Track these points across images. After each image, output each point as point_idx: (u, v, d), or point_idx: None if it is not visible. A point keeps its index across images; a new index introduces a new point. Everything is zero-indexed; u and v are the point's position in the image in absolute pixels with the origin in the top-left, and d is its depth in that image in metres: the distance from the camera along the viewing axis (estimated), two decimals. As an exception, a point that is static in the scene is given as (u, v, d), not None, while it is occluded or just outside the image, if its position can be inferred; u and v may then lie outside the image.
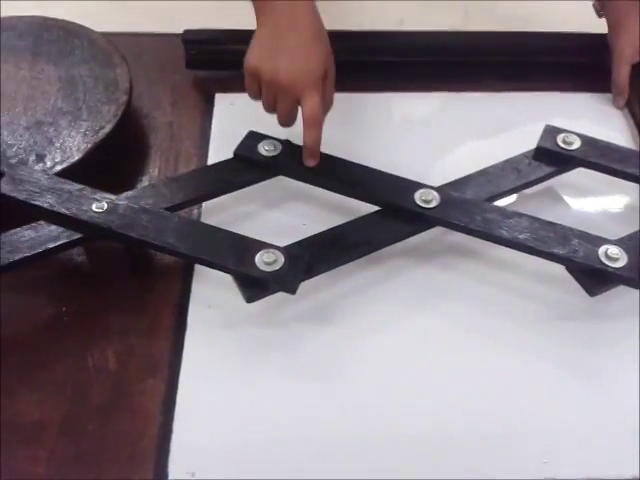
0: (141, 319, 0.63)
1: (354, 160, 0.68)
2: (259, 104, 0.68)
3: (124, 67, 0.76)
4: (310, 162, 0.66)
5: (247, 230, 0.67)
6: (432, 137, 0.78)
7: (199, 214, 0.69)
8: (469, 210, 0.62)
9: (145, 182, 0.72)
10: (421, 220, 0.63)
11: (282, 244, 0.63)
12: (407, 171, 0.67)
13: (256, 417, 0.57)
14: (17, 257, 0.59)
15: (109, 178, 0.70)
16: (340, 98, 0.68)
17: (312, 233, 0.68)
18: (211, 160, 0.74)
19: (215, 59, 0.80)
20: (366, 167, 0.67)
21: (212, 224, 0.67)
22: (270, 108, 0.66)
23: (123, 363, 0.60)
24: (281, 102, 0.64)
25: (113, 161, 0.72)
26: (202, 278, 0.64)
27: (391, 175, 0.66)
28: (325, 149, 0.67)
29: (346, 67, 0.68)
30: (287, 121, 0.66)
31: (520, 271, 0.65)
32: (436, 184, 0.66)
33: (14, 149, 0.68)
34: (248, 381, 0.59)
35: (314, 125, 0.63)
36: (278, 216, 0.70)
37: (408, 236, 0.63)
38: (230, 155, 0.69)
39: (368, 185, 0.65)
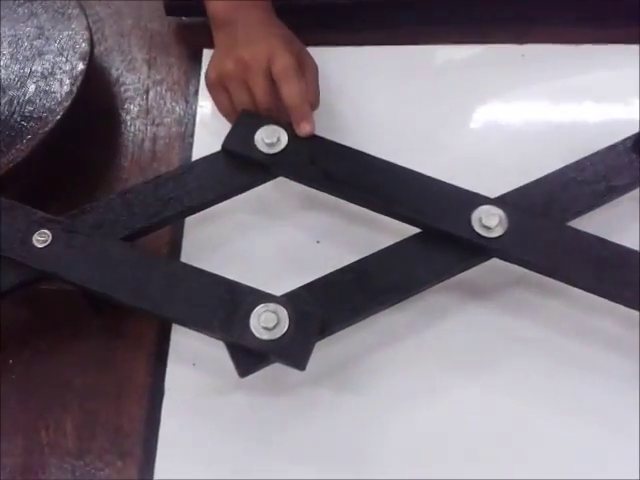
0: (107, 376, 0.49)
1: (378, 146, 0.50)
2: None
3: (82, 20, 0.57)
4: (303, 128, 0.50)
5: (242, 250, 0.52)
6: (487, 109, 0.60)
7: (181, 228, 0.54)
8: (547, 240, 0.45)
9: (114, 181, 0.56)
10: (479, 251, 0.46)
11: (290, 271, 0.48)
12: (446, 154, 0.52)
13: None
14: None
15: (63, 175, 0.55)
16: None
17: (327, 254, 0.52)
18: (198, 145, 0.58)
19: (202, 5, 0.61)
20: (405, 169, 0.49)
21: (196, 241, 0.52)
22: (247, 103, 0.53)
23: (85, 439, 0.47)
24: (254, 83, 0.52)
25: (68, 149, 0.55)
26: None
27: (437, 182, 0.48)
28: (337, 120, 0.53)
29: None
30: (268, 101, 0.52)
31: (611, 316, 0.48)
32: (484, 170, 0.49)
33: None
34: (243, 467, 0.45)
35: (288, 78, 0.51)
36: (284, 231, 0.53)
37: (458, 273, 0.47)
38: (222, 134, 0.51)
39: (404, 198, 0.48)
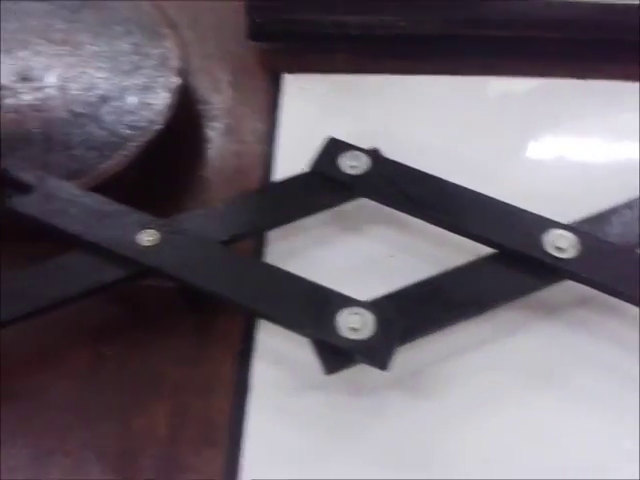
0: (197, 370, 0.52)
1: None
2: (339, 88, 0.58)
3: (175, 39, 0.62)
4: None
5: (321, 262, 0.56)
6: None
7: (263, 240, 0.57)
8: (618, 264, 0.49)
9: (200, 194, 0.60)
10: (551, 272, 0.50)
11: (363, 280, 0.52)
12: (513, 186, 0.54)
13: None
14: (43, 303, 0.48)
15: (154, 188, 0.59)
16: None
17: (400, 268, 0.56)
18: (279, 162, 0.62)
19: (285, 30, 0.66)
20: (478, 194, 0.53)
21: (278, 252, 0.56)
22: None
23: (175, 428, 0.50)
24: None
25: (158, 160, 0.59)
26: (269, 324, 0.52)
27: (512, 207, 0.52)
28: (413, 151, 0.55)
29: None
30: None
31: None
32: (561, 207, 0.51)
33: (50, 153, 0.56)
34: (326, 462, 0.49)
35: None
36: (358, 244, 0.57)
37: (532, 291, 0.50)
38: (300, 156, 0.56)
39: (481, 220, 0.52)
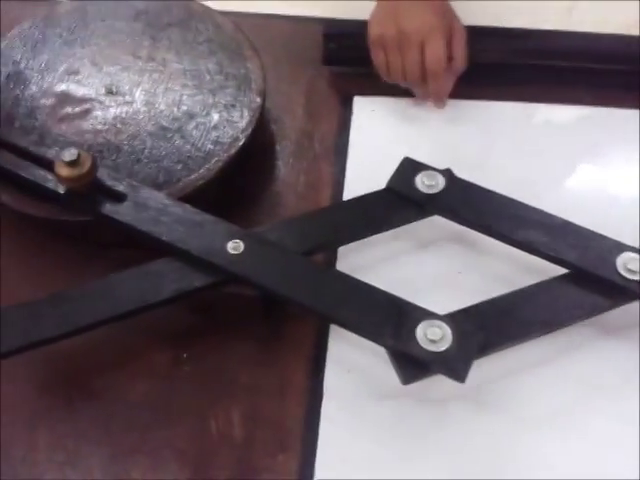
0: (270, 375, 0.54)
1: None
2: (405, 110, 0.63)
3: (256, 61, 0.65)
4: (437, 105, 0.68)
5: (390, 277, 0.58)
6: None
7: (334, 254, 0.60)
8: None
9: (273, 208, 0.63)
10: (622, 293, 0.52)
11: (431, 296, 0.54)
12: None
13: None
14: (135, 305, 0.51)
15: (232, 201, 0.61)
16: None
17: (468, 285, 0.58)
18: (348, 180, 0.64)
19: (357, 56, 0.68)
20: (549, 215, 0.55)
21: (349, 266, 0.58)
22: (398, 70, 0.65)
23: (250, 430, 0.52)
24: (406, 54, 0.64)
25: (238, 179, 0.62)
26: (340, 333, 0.54)
27: (584, 229, 0.54)
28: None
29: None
30: (415, 72, 0.65)
31: None
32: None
33: (138, 164, 0.59)
34: (395, 468, 0.50)
35: (436, 71, 0.64)
36: (427, 261, 0.60)
37: (603, 311, 0.52)
38: (369, 174, 0.59)
39: (554, 241, 0.53)
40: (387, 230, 0.57)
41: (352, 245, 0.59)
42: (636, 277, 0.51)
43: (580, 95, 0.69)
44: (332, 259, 0.60)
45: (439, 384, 0.51)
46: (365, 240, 0.58)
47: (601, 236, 0.53)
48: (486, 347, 0.49)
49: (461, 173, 0.59)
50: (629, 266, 0.51)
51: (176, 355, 0.55)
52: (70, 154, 0.52)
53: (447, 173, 0.58)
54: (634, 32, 0.72)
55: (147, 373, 0.55)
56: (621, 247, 0.52)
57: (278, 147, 0.67)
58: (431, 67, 0.64)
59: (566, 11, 0.77)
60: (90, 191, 0.54)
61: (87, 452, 0.52)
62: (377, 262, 0.60)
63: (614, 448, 0.51)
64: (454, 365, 0.48)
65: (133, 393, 0.54)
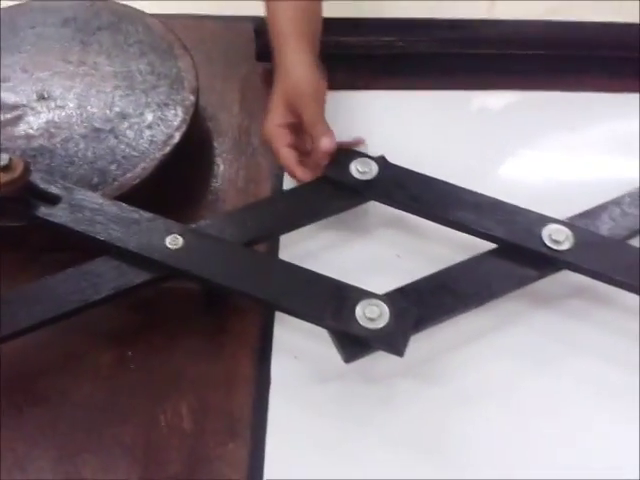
0: (217, 367, 0.55)
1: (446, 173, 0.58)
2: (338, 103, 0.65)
3: (188, 59, 0.66)
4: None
5: (331, 263, 0.59)
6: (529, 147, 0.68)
7: (277, 244, 0.61)
8: (610, 254, 0.53)
9: (213, 203, 0.64)
10: (549, 263, 0.54)
11: (372, 280, 0.55)
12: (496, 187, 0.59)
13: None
14: (75, 305, 0.51)
15: (171, 199, 0.62)
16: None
17: (407, 267, 0.60)
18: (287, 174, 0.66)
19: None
20: (479, 194, 0.57)
21: (291, 255, 0.59)
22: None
23: (199, 422, 0.53)
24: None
25: (175, 176, 0.63)
26: (285, 321, 0.55)
27: (511, 206, 0.56)
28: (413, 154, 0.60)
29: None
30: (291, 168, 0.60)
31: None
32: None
33: (72, 166, 0.59)
34: (344, 448, 0.51)
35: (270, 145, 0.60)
36: (366, 246, 0.61)
37: (532, 281, 0.54)
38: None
39: (484, 218, 0.55)
40: (326, 217, 0.58)
41: (293, 235, 0.60)
42: (561, 247, 0.53)
43: (511, 81, 0.72)
44: (274, 249, 0.61)
45: (383, 362, 0.53)
46: (305, 229, 0.59)
47: (527, 210, 0.56)
48: (423, 321, 0.51)
49: (397, 161, 0.60)
50: (554, 237, 0.53)
51: (121, 354, 0.55)
52: (1, 159, 0.52)
53: (381, 160, 0.59)
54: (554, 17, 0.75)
55: (92, 373, 0.55)
56: (546, 219, 0.54)
57: (216, 144, 0.68)
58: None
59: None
60: (23, 195, 0.54)
61: (36, 455, 0.52)
62: (318, 250, 0.61)
63: (551, 415, 0.53)
64: (392, 340, 0.49)
65: (79, 394, 0.54)
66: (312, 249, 0.61)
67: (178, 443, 0.52)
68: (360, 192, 0.58)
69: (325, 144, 0.58)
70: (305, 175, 0.59)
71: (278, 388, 0.54)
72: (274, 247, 0.60)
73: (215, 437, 0.52)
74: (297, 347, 0.55)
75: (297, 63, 0.60)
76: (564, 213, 0.57)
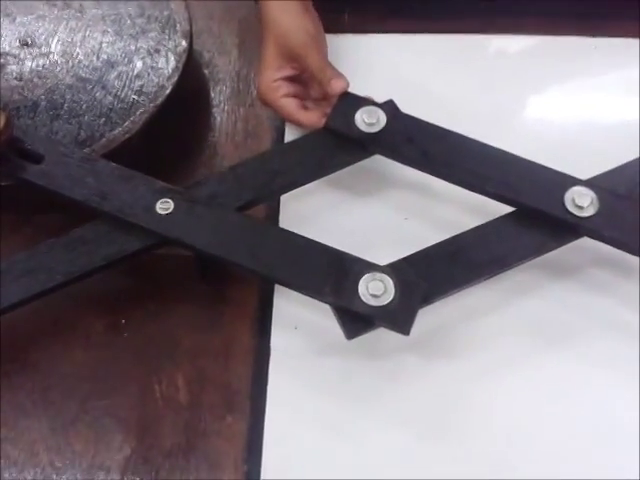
0: (214, 337, 0.52)
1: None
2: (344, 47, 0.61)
3: (180, 1, 0.60)
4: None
5: (333, 227, 0.56)
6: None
7: (277, 205, 0.57)
8: (637, 222, 0.48)
9: (210, 159, 0.59)
10: (570, 230, 0.49)
11: (378, 244, 0.52)
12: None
13: (358, 466, 0.48)
14: (62, 279, 0.47)
15: (162, 155, 0.58)
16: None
17: (415, 232, 0.56)
18: (289, 124, 0.61)
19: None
20: (497, 150, 0.52)
21: (291, 218, 0.56)
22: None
23: (196, 394, 0.51)
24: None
25: (168, 130, 0.58)
26: (285, 290, 0.51)
27: (531, 164, 0.51)
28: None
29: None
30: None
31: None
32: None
33: (57, 120, 0.55)
34: (347, 423, 0.49)
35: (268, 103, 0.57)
36: (371, 208, 0.57)
37: (552, 249, 0.50)
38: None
39: (501, 178, 0.50)
40: (328, 174, 0.54)
41: (295, 195, 0.56)
42: (584, 213, 0.48)
43: (528, 24, 0.66)
44: (275, 211, 0.57)
45: (389, 335, 0.48)
46: (307, 188, 0.55)
47: (550, 170, 0.51)
48: (431, 295, 0.47)
49: (409, 109, 0.55)
50: (577, 202, 0.49)
51: (114, 321, 0.53)
52: (-20, 113, 0.48)
53: (389, 107, 0.54)
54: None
55: (84, 342, 0.52)
56: (569, 181, 0.50)
57: (212, 93, 0.63)
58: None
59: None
60: (6, 152, 0.51)
61: (27, 426, 0.50)
62: (322, 211, 0.57)
63: (570, 390, 0.50)
64: (397, 318, 0.46)
65: (70, 363, 0.52)
66: (314, 209, 0.57)
67: (173, 416, 0.50)
68: (366, 146, 0.53)
69: (338, 85, 0.54)
70: (310, 118, 0.55)
71: (278, 360, 0.51)
72: (275, 209, 0.57)
73: (212, 410, 0.50)
74: (298, 317, 0.52)
75: (283, 10, 0.54)
76: (585, 169, 0.52)
